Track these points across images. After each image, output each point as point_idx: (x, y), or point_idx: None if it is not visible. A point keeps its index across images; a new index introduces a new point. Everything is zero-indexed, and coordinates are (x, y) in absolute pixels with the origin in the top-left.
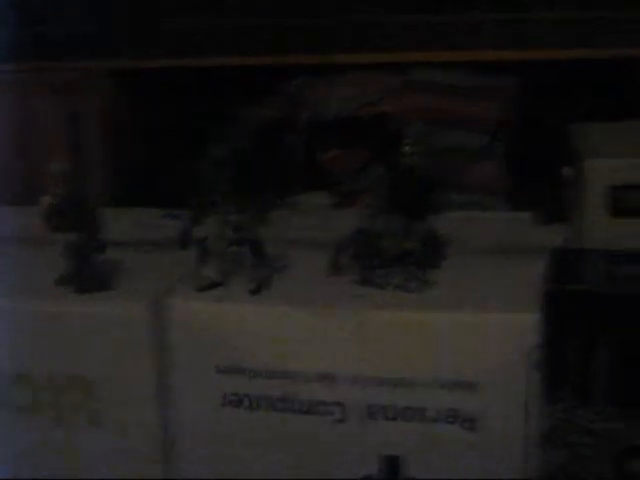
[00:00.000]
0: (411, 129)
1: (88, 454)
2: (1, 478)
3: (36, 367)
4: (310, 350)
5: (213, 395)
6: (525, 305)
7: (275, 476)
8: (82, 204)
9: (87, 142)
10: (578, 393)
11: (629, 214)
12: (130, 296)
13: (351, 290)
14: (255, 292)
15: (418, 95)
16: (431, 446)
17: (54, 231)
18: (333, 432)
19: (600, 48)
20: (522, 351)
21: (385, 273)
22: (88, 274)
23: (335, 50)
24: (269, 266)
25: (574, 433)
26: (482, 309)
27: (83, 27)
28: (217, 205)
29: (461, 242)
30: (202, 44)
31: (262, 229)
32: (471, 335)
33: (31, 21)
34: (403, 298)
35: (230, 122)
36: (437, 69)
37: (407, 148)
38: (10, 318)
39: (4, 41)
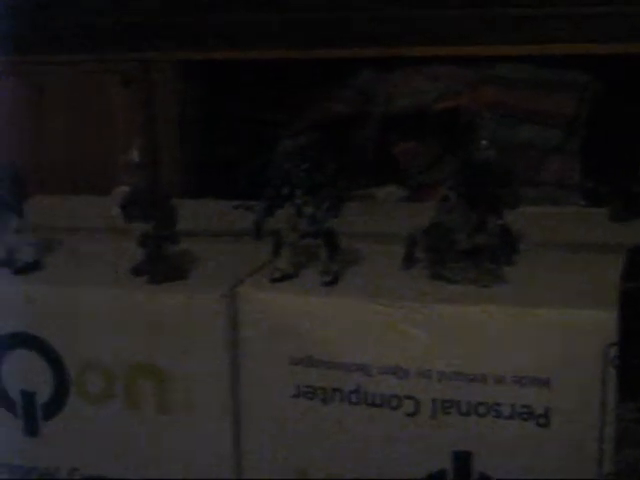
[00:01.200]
0: (485, 123)
1: (158, 442)
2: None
3: (109, 355)
4: (383, 343)
5: (286, 387)
6: (601, 302)
7: (346, 468)
8: (157, 195)
9: (161, 133)
10: None
11: None
12: (203, 287)
13: (424, 284)
14: (329, 284)
15: (492, 89)
16: (504, 442)
17: (129, 221)
18: (405, 426)
19: None
20: (597, 348)
21: (458, 267)
22: (162, 264)
23: (409, 43)
24: (342, 259)
25: None
26: (557, 306)
27: (155, 18)
28: (290, 197)
29: (535, 238)
30: (275, 37)
31: (335, 222)
32: (546, 331)
33: (103, 12)
34: (476, 293)
35: (303, 115)
36: (512, 63)
37: (482, 142)
38: (84, 307)
39: (78, 32)
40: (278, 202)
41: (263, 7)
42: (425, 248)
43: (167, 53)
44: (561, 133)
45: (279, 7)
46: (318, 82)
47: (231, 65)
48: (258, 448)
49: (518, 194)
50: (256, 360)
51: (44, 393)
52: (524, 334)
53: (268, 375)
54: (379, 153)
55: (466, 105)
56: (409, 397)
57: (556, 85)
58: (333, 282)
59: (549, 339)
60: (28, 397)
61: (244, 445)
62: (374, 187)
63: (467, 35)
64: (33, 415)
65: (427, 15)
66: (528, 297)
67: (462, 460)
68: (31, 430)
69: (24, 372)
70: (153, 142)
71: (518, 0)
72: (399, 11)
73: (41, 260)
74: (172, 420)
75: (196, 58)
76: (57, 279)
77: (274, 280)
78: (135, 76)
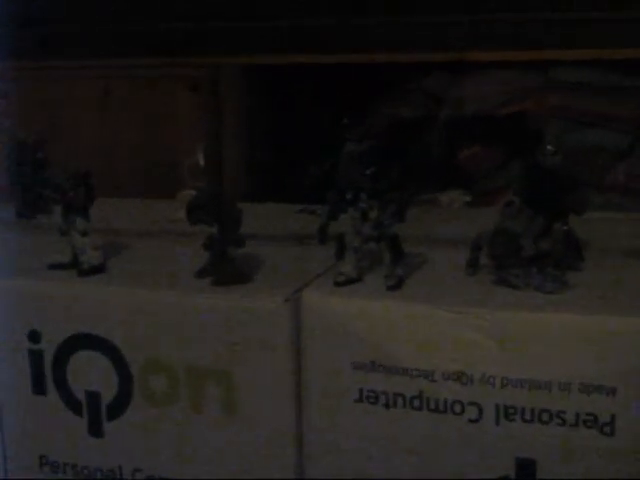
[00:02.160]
0: (551, 128)
1: (220, 445)
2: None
3: (172, 358)
4: (447, 349)
5: (349, 391)
6: None
7: (407, 474)
8: (222, 198)
9: (226, 137)
10: None
11: None
12: (267, 290)
13: (488, 289)
14: (393, 289)
15: (559, 94)
16: (567, 450)
17: (194, 224)
18: (467, 432)
19: None
20: None
21: (523, 273)
22: (226, 267)
23: (475, 48)
24: (406, 263)
25: None
26: (623, 313)
27: (222, 23)
28: (355, 201)
29: (600, 244)
30: (340, 41)
31: (400, 226)
32: (612, 339)
33: (171, 17)
34: (541, 299)
35: (369, 119)
36: (579, 68)
37: (548, 147)
38: (148, 309)
39: (145, 36)
40: (342, 206)
41: (330, 11)
42: (490, 254)
43: (234, 58)
44: (628, 138)
45: (345, 11)
46: (384, 86)
47: (297, 69)
48: (320, 452)
49: (584, 200)
50: (319, 364)
51: (108, 394)
52: (590, 342)
53: (331, 379)
54: (444, 158)
55: (532, 110)
56: (472, 403)
57: (623, 89)
58: (397, 287)
59: (615, 347)
60: (93, 398)
61: (306, 448)
62: (438, 192)
63: (534, 39)
64: (97, 416)
65: (493, 19)
66: (594, 304)
67: (525, 467)
68: (95, 430)
69: (89, 373)
70: (219, 146)
71: (585, 4)
72: (466, 16)
73: (106, 262)
74: (235, 423)
75: (262, 63)
76: (122, 281)
77: (338, 284)
78: (202, 80)
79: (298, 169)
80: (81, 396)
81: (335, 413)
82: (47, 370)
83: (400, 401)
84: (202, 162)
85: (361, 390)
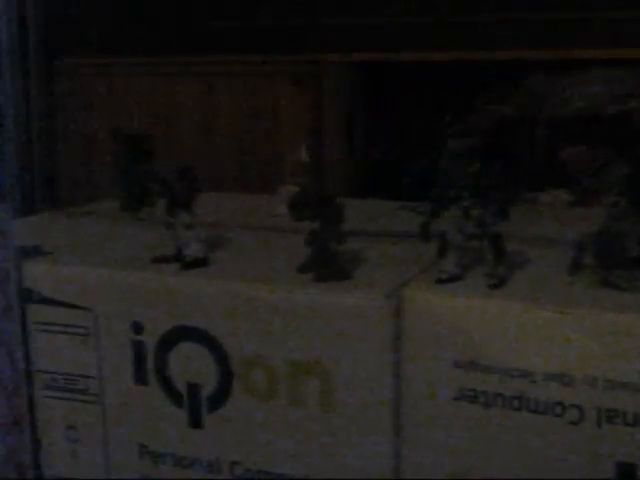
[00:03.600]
0: None
1: (318, 440)
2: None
3: (273, 352)
4: (548, 349)
5: (447, 389)
6: None
7: (503, 474)
8: (324, 194)
9: (328, 133)
10: None
11: None
12: (368, 287)
13: (591, 290)
14: (494, 287)
15: None
16: None
17: (297, 220)
18: (567, 434)
19: None
20: None
21: (627, 275)
22: (328, 263)
23: (582, 46)
24: (508, 262)
25: None
26: None
27: (324, 19)
28: (457, 199)
29: None
30: (444, 39)
31: (502, 225)
32: None
33: (273, 14)
34: None
35: (472, 116)
36: None
37: None
38: (250, 303)
39: (249, 33)
40: (445, 204)
41: (434, 9)
42: (593, 254)
43: (336, 54)
44: None
45: (450, 9)
46: (488, 83)
47: (399, 66)
48: (417, 449)
49: None
50: (419, 361)
51: (209, 386)
52: None
53: (430, 377)
54: (546, 156)
55: (637, 109)
56: (573, 405)
57: None
58: (499, 285)
59: None
60: (193, 389)
61: (404, 445)
62: (540, 191)
63: None
64: (198, 407)
65: (600, 17)
66: None
67: (626, 472)
68: (195, 422)
69: (190, 365)
70: (320, 142)
71: None
72: (573, 13)
73: (209, 256)
74: (332, 419)
75: (365, 59)
76: (224, 275)
77: (439, 282)
78: (304, 77)
79: (400, 166)
80: (182, 388)
81: (433, 411)
82: (149, 361)
83: (499, 401)
84: (305, 158)
85: (460, 389)
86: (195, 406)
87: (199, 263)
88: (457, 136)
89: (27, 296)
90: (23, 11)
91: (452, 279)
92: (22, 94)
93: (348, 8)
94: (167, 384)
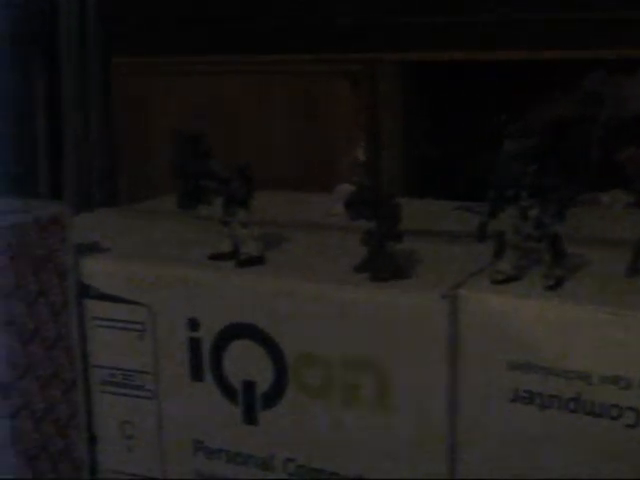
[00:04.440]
0: None
1: (372, 439)
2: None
3: (328, 351)
4: (604, 351)
5: (503, 391)
6: None
7: (558, 476)
8: (381, 193)
9: (385, 133)
10: None
11: None
12: (425, 287)
13: None
14: (552, 289)
15: None
16: None
17: (354, 219)
18: (623, 437)
19: None
20: None
21: None
22: (384, 262)
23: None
24: (566, 263)
25: None
26: None
27: (381, 18)
28: (515, 199)
29: None
30: (498, 37)
31: (561, 226)
32: None
33: (329, 12)
34: None
35: (529, 116)
36: None
37: None
38: (305, 301)
39: (304, 32)
40: (502, 204)
41: (487, 7)
42: None
43: (394, 54)
44: None
45: (503, 7)
46: (545, 83)
47: (455, 66)
48: (471, 450)
49: None
50: (474, 362)
51: (264, 383)
52: None
53: (485, 378)
54: (606, 157)
55: None
56: (631, 408)
57: None
58: (556, 287)
59: None
60: (248, 386)
61: (458, 446)
62: (600, 192)
63: None
64: (252, 404)
65: None
66: None
67: None
68: (250, 419)
69: (245, 362)
70: (377, 142)
71: None
72: (634, 12)
73: (265, 254)
74: (387, 419)
75: (422, 59)
76: (280, 273)
77: (496, 282)
78: (362, 76)
79: (456, 166)
80: (237, 384)
81: (489, 412)
82: (205, 357)
83: (556, 403)
84: (362, 157)
85: (516, 390)
86: (250, 403)
87: (255, 261)
88: (514, 136)
89: (85, 291)
90: (83, 8)
91: (509, 280)
92: (82, 91)
93: (406, 6)
94: (222, 381)
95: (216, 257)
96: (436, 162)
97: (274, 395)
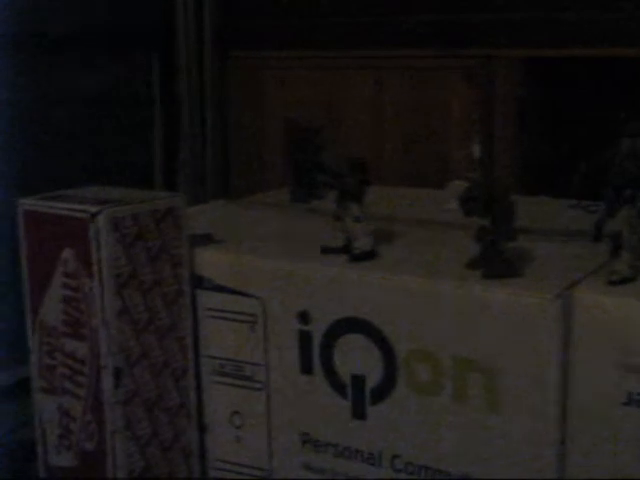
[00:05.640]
0: None
1: (481, 439)
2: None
3: (438, 347)
4: None
5: (616, 394)
6: None
7: None
8: (495, 190)
9: (499, 129)
10: None
11: None
12: (538, 285)
13: None
14: None
15: None
16: None
17: (468, 216)
18: None
19: None
20: None
21: None
22: (497, 260)
23: None
24: None
25: None
26: None
27: (497, 14)
28: (633, 199)
29: None
30: (616, 34)
31: None
32: None
33: (441, 7)
34: None
35: None
36: None
37: None
38: (416, 297)
39: (418, 27)
40: (619, 203)
41: (602, 4)
42: None
43: (509, 50)
44: None
45: (619, 4)
46: None
47: (571, 62)
48: (583, 453)
49: None
50: (587, 364)
51: (373, 378)
52: None
53: (598, 380)
54: None
55: None
56: None
57: None
58: None
59: None
60: (358, 381)
61: (569, 449)
62: None
63: None
64: (362, 399)
65: None
66: None
67: None
68: (359, 413)
69: (355, 356)
70: (491, 138)
71: None
72: None
73: (377, 249)
74: (496, 418)
75: (537, 55)
76: (392, 268)
77: (611, 283)
78: (477, 72)
79: (572, 164)
80: (346, 378)
81: (601, 415)
82: (315, 351)
83: None
84: (476, 154)
85: (630, 394)
86: (359, 397)
87: (367, 256)
88: (632, 135)
89: (198, 283)
90: (200, 3)
91: (625, 280)
92: (198, 85)
93: (522, 2)
94: (332, 374)
95: (328, 251)
96: (553, 159)
97: (383, 390)
